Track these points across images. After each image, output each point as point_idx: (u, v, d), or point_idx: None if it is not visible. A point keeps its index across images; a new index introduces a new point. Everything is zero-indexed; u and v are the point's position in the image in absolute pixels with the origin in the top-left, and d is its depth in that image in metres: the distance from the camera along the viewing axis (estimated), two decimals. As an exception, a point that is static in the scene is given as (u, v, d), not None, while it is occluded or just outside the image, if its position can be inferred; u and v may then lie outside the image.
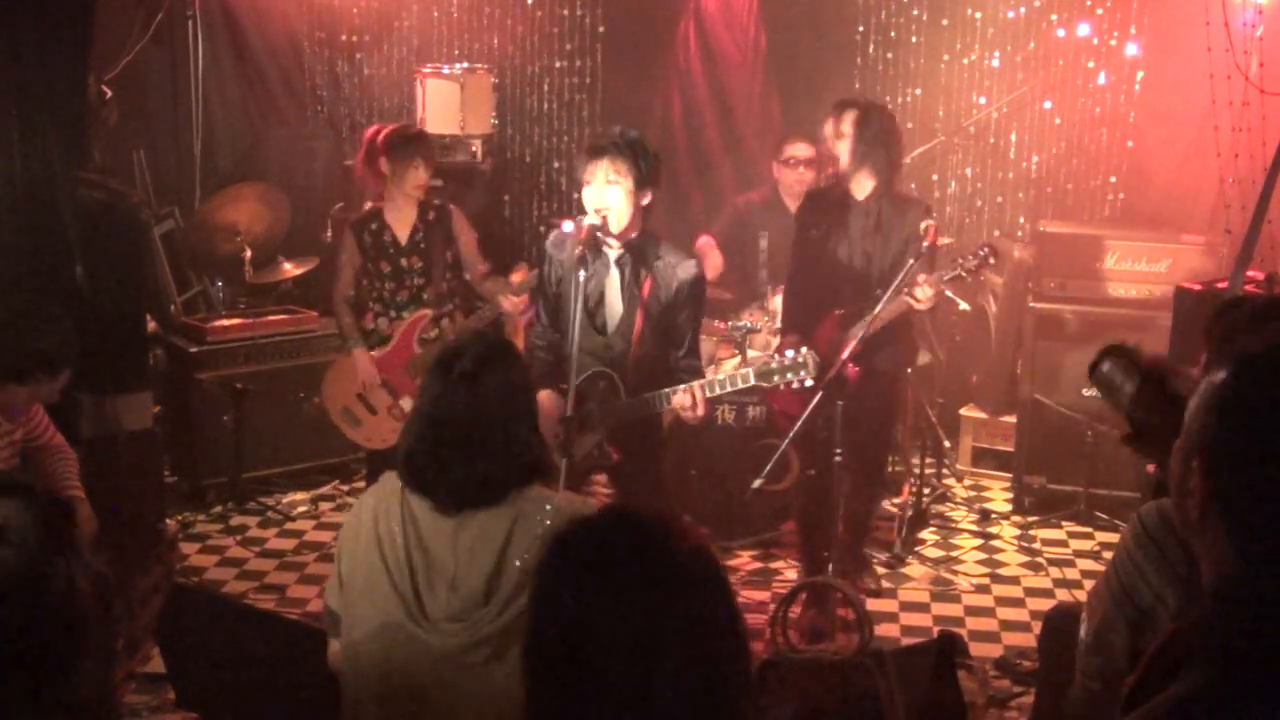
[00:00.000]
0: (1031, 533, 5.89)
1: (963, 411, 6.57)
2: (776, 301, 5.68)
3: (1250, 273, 4.79)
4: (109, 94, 6.89)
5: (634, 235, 4.16)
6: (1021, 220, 7.19)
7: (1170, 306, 5.05)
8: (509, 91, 7.67)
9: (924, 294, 4.63)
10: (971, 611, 5.17)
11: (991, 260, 4.82)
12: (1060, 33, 6.98)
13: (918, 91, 7.24)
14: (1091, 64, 6.96)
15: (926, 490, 6.10)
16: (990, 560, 5.64)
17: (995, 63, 7.11)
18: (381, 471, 2.92)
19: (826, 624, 4.81)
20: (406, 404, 5.27)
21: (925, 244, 4.63)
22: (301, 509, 6.08)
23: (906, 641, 4.78)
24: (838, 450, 4.51)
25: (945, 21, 7.16)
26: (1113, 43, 6.91)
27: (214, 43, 7.59)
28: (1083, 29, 6.93)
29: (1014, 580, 5.44)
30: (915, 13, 7.21)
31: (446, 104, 7.05)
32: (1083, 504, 5.92)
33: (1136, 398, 2.85)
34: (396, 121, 7.38)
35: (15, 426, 4.00)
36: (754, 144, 7.44)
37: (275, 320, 6.42)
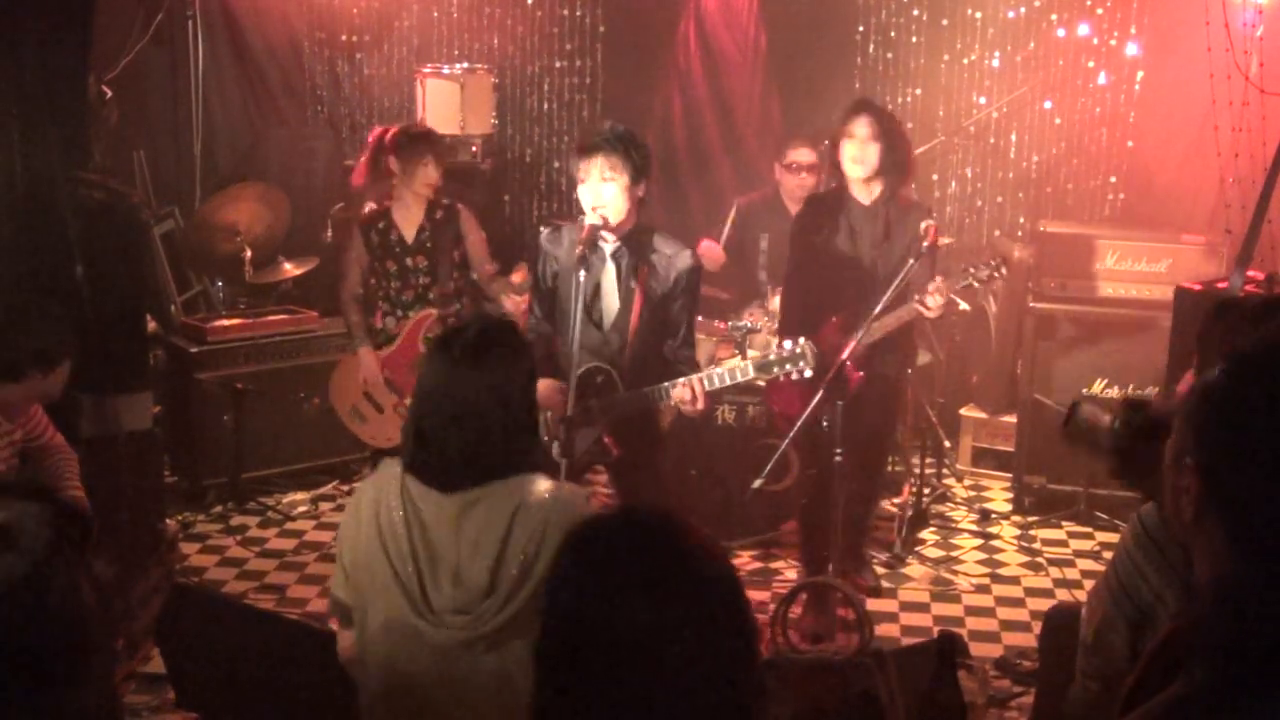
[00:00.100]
0: (1031, 533, 5.89)
1: (963, 411, 6.57)
2: (776, 302, 5.68)
3: (1250, 273, 4.79)
4: (109, 94, 6.90)
5: (629, 228, 4.16)
6: (1021, 220, 7.19)
7: (1170, 307, 5.05)
8: (509, 91, 7.68)
9: (934, 302, 4.65)
10: (971, 611, 5.17)
11: (1003, 271, 4.84)
12: (1060, 33, 6.98)
13: (918, 91, 7.24)
14: (1091, 64, 6.96)
15: (926, 490, 6.10)
16: (990, 560, 5.64)
17: (995, 63, 7.11)
18: (387, 471, 2.92)
19: (827, 624, 4.81)
20: (412, 403, 5.29)
21: (925, 244, 4.63)
22: (301, 509, 6.08)
23: (906, 641, 4.78)
24: (838, 450, 4.51)
25: (945, 21, 7.16)
26: (1113, 43, 6.92)
27: (214, 43, 7.60)
28: (1083, 29, 6.93)
29: (1014, 580, 5.44)
30: (915, 13, 7.21)
31: (446, 104, 7.06)
32: (1083, 504, 5.92)
33: (1121, 427, 2.84)
34: (397, 121, 7.41)
35: (15, 426, 4.00)
36: (754, 144, 7.44)
37: (275, 320, 6.42)
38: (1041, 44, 7.03)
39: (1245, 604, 1.45)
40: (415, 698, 2.68)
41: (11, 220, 4.56)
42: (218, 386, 6.02)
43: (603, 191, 4.04)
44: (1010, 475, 6.25)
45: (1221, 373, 1.54)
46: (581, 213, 4.15)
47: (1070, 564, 5.59)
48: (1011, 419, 6.28)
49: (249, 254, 6.62)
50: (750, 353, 5.58)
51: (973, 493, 6.39)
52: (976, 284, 4.84)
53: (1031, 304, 6.04)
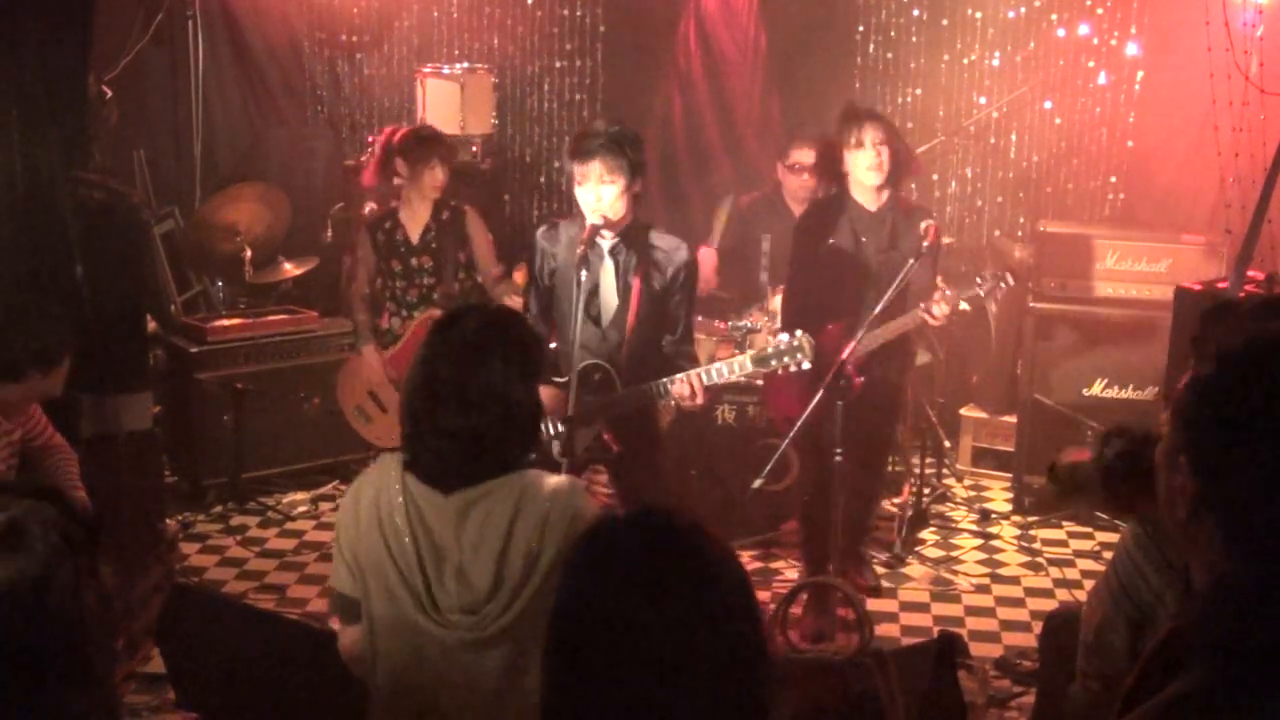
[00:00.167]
0: (1031, 533, 5.89)
1: (963, 411, 6.57)
2: (776, 302, 5.68)
3: (1250, 273, 4.78)
4: (109, 94, 6.90)
5: (626, 224, 4.16)
6: (1021, 220, 7.19)
7: (1170, 307, 5.05)
8: (509, 91, 7.68)
9: (940, 311, 4.67)
10: (971, 611, 5.17)
11: (1009, 281, 4.85)
12: (1060, 33, 6.99)
13: (918, 91, 7.24)
14: (1091, 64, 6.96)
15: (926, 490, 6.10)
16: (990, 560, 5.64)
17: (995, 63, 7.11)
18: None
19: (827, 624, 4.81)
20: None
21: (926, 244, 4.63)
22: (301, 509, 6.07)
23: (906, 641, 4.78)
24: (838, 450, 4.51)
25: (945, 21, 7.16)
26: (1113, 43, 6.92)
27: (214, 43, 7.60)
28: (1083, 29, 6.93)
29: (1014, 580, 5.44)
30: (915, 13, 7.21)
31: (446, 104, 7.06)
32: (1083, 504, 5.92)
33: (1105, 457, 2.82)
34: (396, 121, 7.42)
35: (14, 426, 4.00)
36: (754, 144, 7.44)
37: (275, 320, 6.42)
38: (1041, 44, 7.03)
39: (1243, 602, 1.45)
40: (420, 697, 2.67)
41: (11, 220, 4.56)
42: (218, 386, 6.03)
43: (603, 194, 4.04)
44: (1010, 475, 6.25)
45: (1213, 370, 1.54)
46: (579, 211, 4.15)
47: (1070, 564, 5.59)
48: (1011, 419, 6.28)
49: (249, 254, 6.62)
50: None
51: (973, 493, 6.39)
52: (982, 294, 4.86)
53: (1031, 304, 6.04)
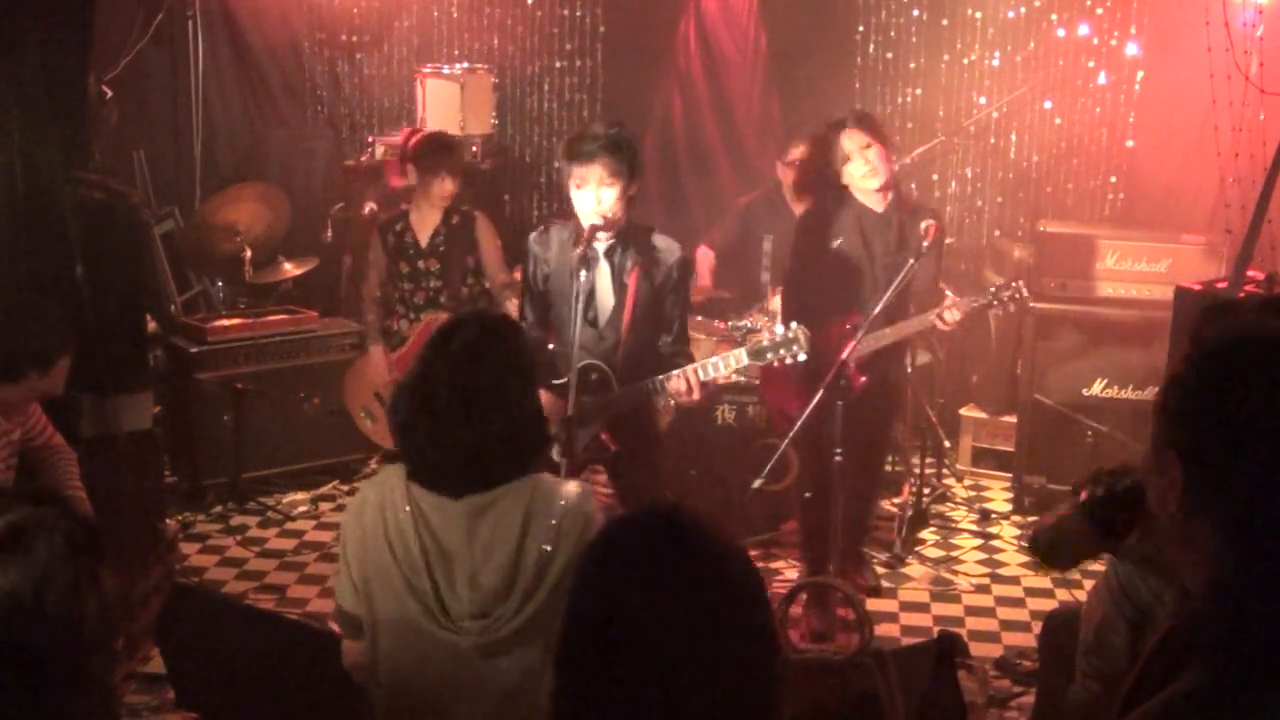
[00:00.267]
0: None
1: (963, 411, 6.57)
2: (776, 302, 5.67)
3: (1250, 273, 4.78)
4: (109, 94, 6.90)
5: (621, 225, 4.16)
6: (1021, 220, 7.19)
7: (1170, 307, 5.05)
8: (509, 91, 7.68)
9: (951, 317, 4.69)
10: (971, 611, 5.17)
11: (1024, 293, 4.85)
12: (1060, 33, 6.99)
13: (918, 91, 7.24)
14: (1091, 64, 6.96)
15: (926, 490, 6.10)
16: (990, 560, 5.64)
17: (995, 63, 7.11)
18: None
19: (827, 624, 4.81)
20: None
21: (926, 243, 4.62)
22: (301, 509, 6.07)
23: (906, 641, 4.78)
24: (838, 450, 4.51)
25: (945, 21, 7.16)
26: (1113, 43, 6.92)
27: (214, 43, 7.61)
28: (1083, 29, 6.93)
29: (1014, 580, 5.44)
30: (915, 13, 7.21)
31: (446, 104, 7.07)
32: (1083, 504, 5.91)
33: (1088, 505, 2.81)
34: (397, 122, 7.44)
35: (13, 426, 3.99)
36: (754, 144, 7.44)
37: (275, 320, 6.42)
38: (1041, 44, 7.03)
39: (1243, 601, 1.45)
40: (429, 706, 2.66)
41: (11, 220, 4.56)
42: (218, 386, 6.03)
43: (604, 197, 4.04)
44: (1010, 475, 6.25)
45: (1204, 365, 1.53)
46: (572, 213, 4.16)
47: (1070, 564, 5.59)
48: (1011, 419, 6.28)
49: (249, 254, 6.62)
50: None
51: (973, 493, 6.39)
52: (996, 303, 4.86)
53: (1031, 304, 6.03)
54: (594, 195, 4.02)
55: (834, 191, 4.94)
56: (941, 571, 5.51)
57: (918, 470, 6.05)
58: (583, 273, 4.00)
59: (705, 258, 6.31)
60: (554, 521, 2.60)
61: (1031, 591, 5.32)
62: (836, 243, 4.84)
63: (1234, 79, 5.33)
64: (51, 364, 3.92)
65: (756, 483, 4.47)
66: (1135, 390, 5.86)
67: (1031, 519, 5.98)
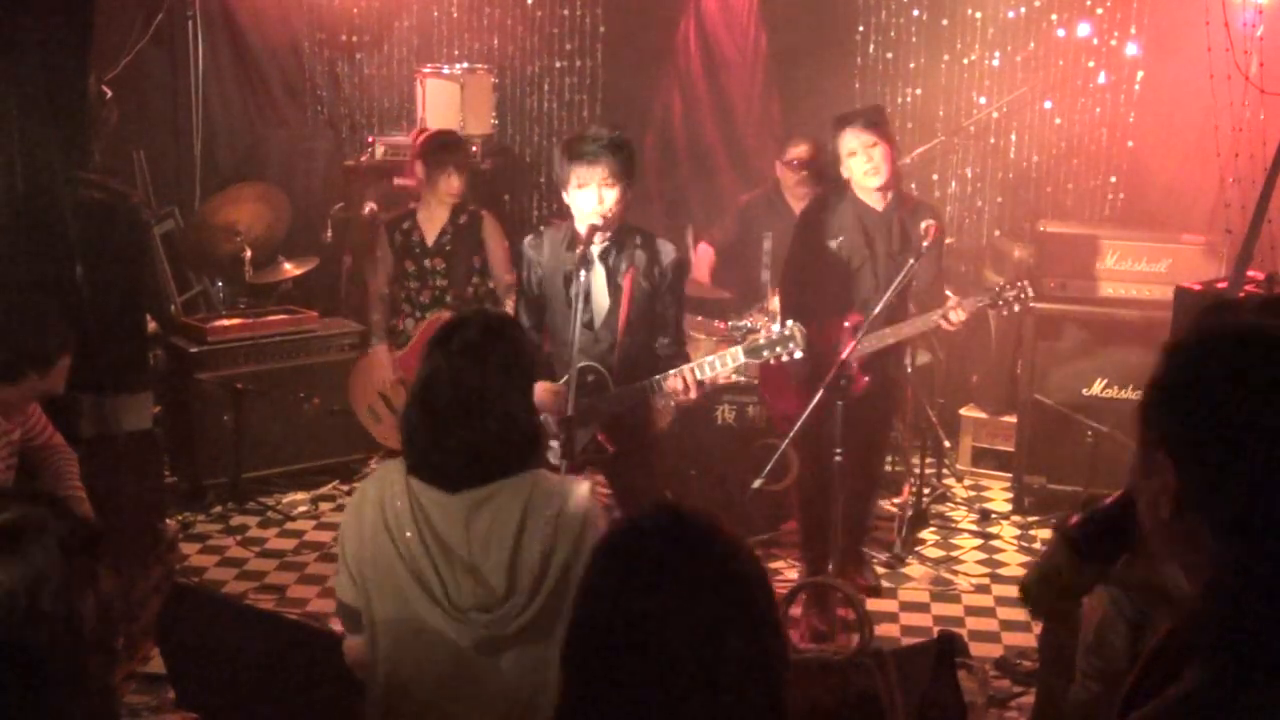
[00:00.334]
0: (1031, 533, 5.89)
1: (963, 411, 6.57)
2: (776, 302, 5.67)
3: (1250, 273, 4.78)
4: (109, 94, 6.90)
5: (616, 226, 4.17)
6: (1022, 220, 7.19)
7: (1170, 307, 5.05)
8: (509, 91, 7.68)
9: (957, 317, 4.69)
10: (971, 611, 5.17)
11: (1029, 293, 4.84)
12: (1060, 33, 6.99)
13: (918, 91, 7.24)
14: (1091, 64, 6.96)
15: (926, 490, 6.10)
16: (990, 560, 5.64)
17: (995, 63, 7.11)
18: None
19: (827, 624, 4.81)
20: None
21: (926, 243, 4.62)
22: (301, 509, 6.07)
23: (906, 641, 4.78)
24: (838, 450, 4.51)
25: (945, 21, 7.16)
26: (1113, 43, 6.92)
27: (214, 43, 7.60)
28: (1083, 29, 6.93)
29: (1014, 580, 5.43)
30: (915, 13, 7.22)
31: (446, 104, 7.07)
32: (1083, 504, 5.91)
33: (1076, 522, 2.79)
34: (397, 122, 7.45)
35: (13, 426, 3.99)
36: (754, 144, 7.44)
37: (275, 320, 6.42)
38: (1041, 44, 7.04)
39: (1242, 598, 1.44)
40: (427, 705, 2.66)
41: (12, 220, 4.56)
42: (218, 386, 6.02)
43: (606, 197, 4.05)
44: (1010, 475, 6.25)
45: (1179, 363, 1.52)
46: (568, 215, 4.17)
47: (1070, 564, 5.58)
48: (1011, 419, 6.28)
49: (249, 254, 6.62)
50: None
51: (973, 493, 6.39)
52: (1001, 303, 4.85)
53: (1032, 304, 6.02)
54: (596, 194, 4.03)
55: (835, 187, 4.94)
56: (941, 571, 5.51)
57: (918, 470, 6.04)
58: (582, 273, 4.00)
59: (705, 255, 6.32)
60: (553, 515, 2.61)
61: (1031, 591, 5.31)
62: (838, 241, 4.84)
63: (1234, 79, 5.33)
64: (51, 364, 3.92)
65: (756, 483, 4.47)
66: (1135, 390, 5.84)
67: (1032, 519, 5.99)
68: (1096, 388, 5.91)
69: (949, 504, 6.23)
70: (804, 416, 4.43)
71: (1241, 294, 4.59)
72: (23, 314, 3.96)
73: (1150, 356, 1.54)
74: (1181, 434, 1.49)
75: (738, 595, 1.61)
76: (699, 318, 5.96)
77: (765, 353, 4.11)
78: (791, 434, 4.49)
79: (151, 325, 6.08)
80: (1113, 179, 7.02)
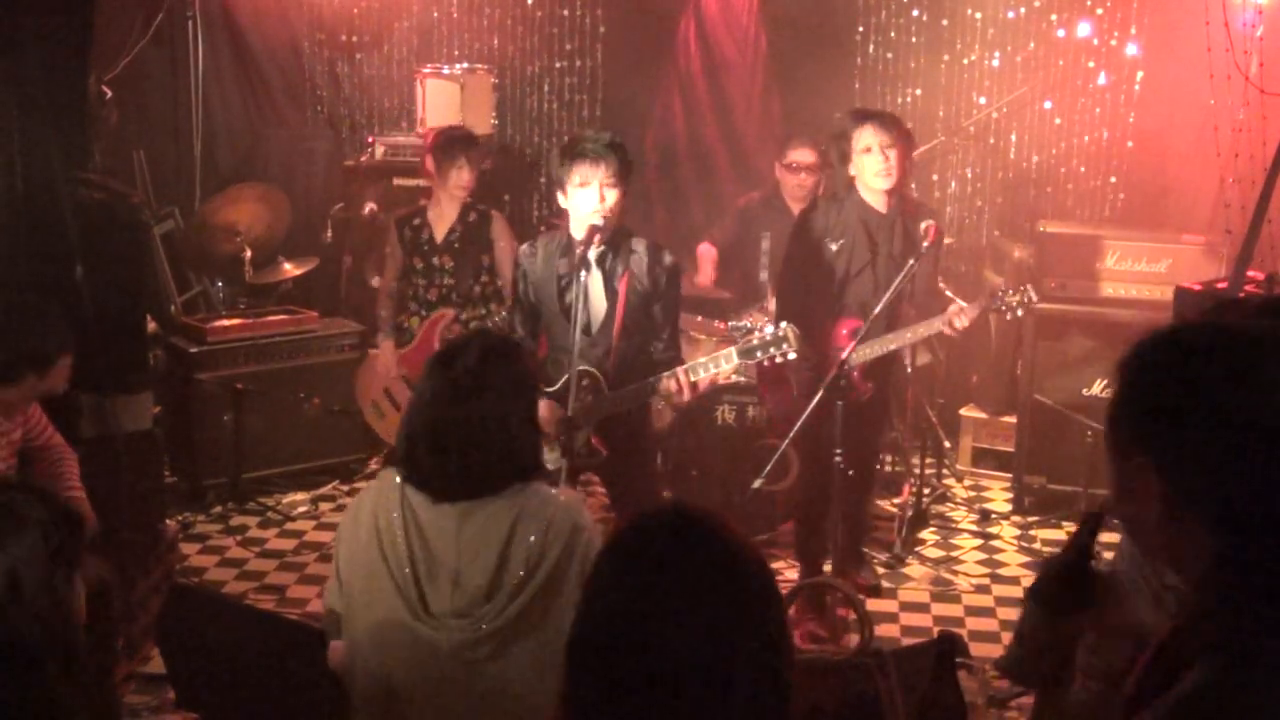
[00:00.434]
0: (1031, 533, 5.89)
1: (963, 411, 6.57)
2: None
3: (1250, 273, 4.78)
4: (109, 94, 6.90)
5: (612, 230, 4.17)
6: (1022, 220, 7.19)
7: (1170, 307, 5.05)
8: (509, 91, 7.68)
9: (960, 323, 4.67)
10: (971, 611, 5.17)
11: (1033, 297, 4.83)
12: (1060, 33, 6.99)
13: (918, 91, 7.24)
14: (1091, 64, 6.96)
15: (926, 490, 6.10)
16: (990, 560, 5.64)
17: (995, 63, 7.11)
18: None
19: (827, 624, 4.81)
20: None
21: (926, 244, 4.61)
22: (301, 509, 6.07)
23: (906, 641, 4.78)
24: (838, 450, 4.50)
25: (945, 21, 7.16)
26: (1113, 43, 6.92)
27: (214, 43, 7.60)
28: (1083, 29, 6.93)
29: (1014, 580, 5.44)
30: (915, 13, 7.21)
31: (446, 104, 7.06)
32: (1083, 504, 5.90)
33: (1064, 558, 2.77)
34: (397, 122, 7.45)
35: (14, 426, 3.99)
36: (754, 144, 7.44)
37: (275, 320, 6.42)
38: (1041, 44, 7.03)
39: (1241, 598, 1.44)
40: (413, 700, 2.67)
41: (12, 220, 4.56)
42: (218, 386, 6.02)
43: (608, 196, 4.06)
44: (1010, 475, 6.25)
45: (1145, 371, 1.51)
46: (564, 222, 4.18)
47: (1070, 564, 5.57)
48: (1011, 419, 6.28)
49: (249, 254, 6.63)
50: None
51: (973, 493, 6.39)
52: (1004, 307, 4.84)
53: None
54: (598, 193, 4.04)
55: (835, 192, 4.92)
56: (941, 571, 5.51)
57: (918, 470, 6.04)
58: (582, 273, 4.01)
59: (708, 254, 6.30)
60: (544, 525, 2.62)
61: (1031, 591, 5.31)
62: (840, 242, 4.82)
63: (1234, 79, 5.33)
64: (51, 364, 3.92)
65: (756, 483, 4.47)
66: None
67: (1032, 519, 5.99)
68: (1096, 388, 5.91)
69: (949, 504, 6.23)
70: (804, 417, 4.43)
71: (1241, 294, 4.59)
72: (23, 314, 3.96)
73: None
74: (1169, 436, 1.48)
75: (744, 595, 1.61)
76: (699, 318, 5.96)
77: (758, 354, 4.12)
78: (792, 434, 4.49)
79: (151, 325, 6.08)
80: (1113, 179, 7.02)
